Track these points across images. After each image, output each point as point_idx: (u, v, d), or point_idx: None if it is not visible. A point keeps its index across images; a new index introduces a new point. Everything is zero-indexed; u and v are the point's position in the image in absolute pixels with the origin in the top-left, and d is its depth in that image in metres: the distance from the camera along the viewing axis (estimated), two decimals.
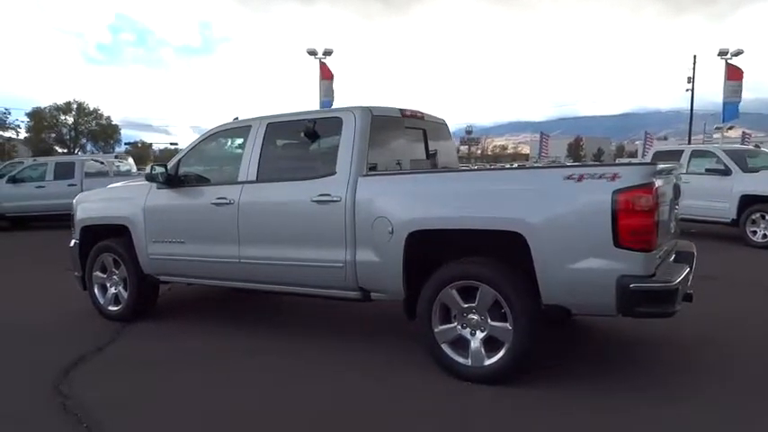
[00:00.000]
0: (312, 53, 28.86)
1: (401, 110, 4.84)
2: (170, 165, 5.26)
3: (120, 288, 5.58)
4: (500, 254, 3.79)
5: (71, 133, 59.78)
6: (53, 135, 59.26)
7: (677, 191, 4.39)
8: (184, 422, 3.44)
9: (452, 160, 5.58)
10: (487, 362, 3.79)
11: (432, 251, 4.04)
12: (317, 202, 4.31)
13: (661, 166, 3.64)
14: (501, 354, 3.74)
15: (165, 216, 5.20)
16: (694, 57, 38.75)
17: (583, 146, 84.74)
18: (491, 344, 3.80)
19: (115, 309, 5.61)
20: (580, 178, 3.45)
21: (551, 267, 3.52)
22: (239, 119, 5.35)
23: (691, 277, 4.04)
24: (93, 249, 5.69)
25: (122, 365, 4.43)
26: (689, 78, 38.86)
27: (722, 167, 10.41)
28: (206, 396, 3.79)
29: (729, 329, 5.03)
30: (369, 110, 4.41)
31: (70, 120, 59.76)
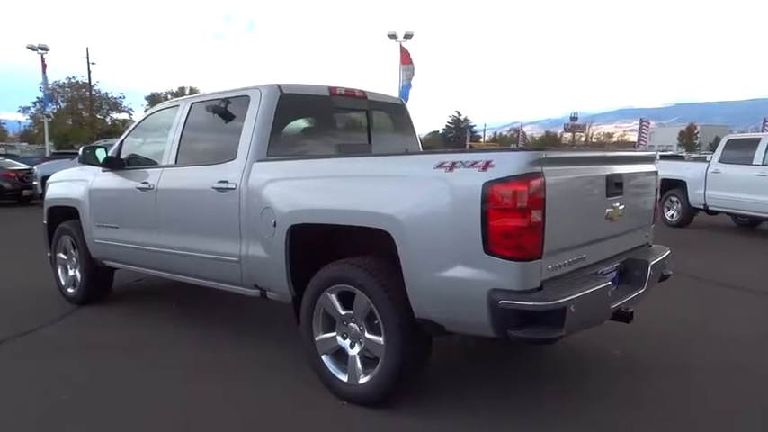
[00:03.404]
0: (392, 36, 28.40)
1: (330, 87, 4.31)
2: (114, 146, 5.13)
3: (77, 271, 5.53)
4: (385, 256, 3.21)
5: None
6: None
7: (640, 183, 3.61)
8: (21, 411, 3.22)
9: (412, 146, 4.95)
10: (362, 379, 3.25)
11: (325, 248, 3.54)
12: (217, 189, 3.92)
13: (558, 153, 2.89)
14: (374, 372, 3.18)
15: (104, 200, 5.05)
16: None
17: (697, 134, 77.73)
18: (370, 359, 3.25)
19: (72, 291, 5.58)
20: (451, 167, 2.79)
21: (420, 275, 2.90)
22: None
23: (627, 294, 3.28)
24: (56, 231, 5.68)
25: (34, 350, 4.32)
26: None
27: None
28: (75, 387, 3.56)
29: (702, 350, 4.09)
30: (277, 87, 3.93)
31: None
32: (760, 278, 6.70)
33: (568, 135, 74.27)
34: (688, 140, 74.52)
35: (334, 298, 3.32)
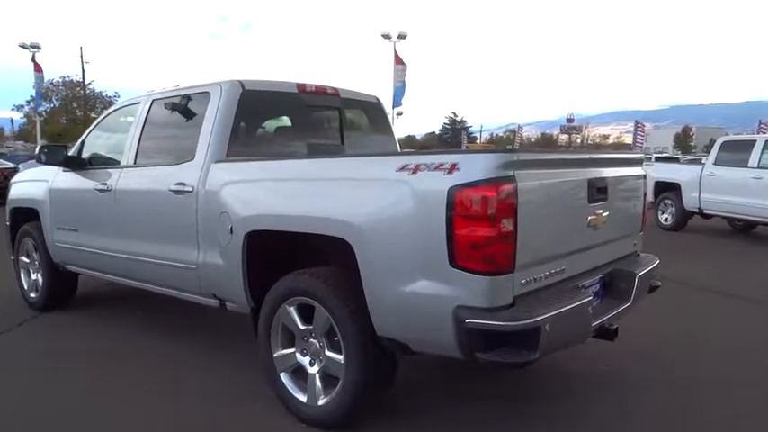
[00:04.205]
0: (386, 36, 28.12)
1: (298, 84, 4.03)
2: (76, 144, 4.85)
3: (39, 275, 5.24)
4: (348, 266, 2.92)
5: None
6: None
7: (627, 187, 3.34)
8: None
9: (389, 147, 4.66)
10: (322, 400, 2.96)
11: (287, 256, 3.26)
12: (174, 191, 3.64)
13: (532, 155, 2.63)
14: (334, 393, 2.90)
15: (64, 201, 4.76)
16: None
17: (693, 136, 77.51)
18: (332, 378, 2.96)
19: (34, 296, 5.29)
20: (415, 170, 2.51)
21: (380, 289, 2.63)
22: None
23: (611, 309, 3.01)
24: (19, 233, 5.40)
25: None
26: None
27: None
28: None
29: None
30: (238, 83, 3.66)
31: None
32: (757, 285, 6.43)
33: (565, 137, 74.12)
34: (683, 142, 74.32)
35: (293, 311, 3.04)
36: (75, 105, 44.78)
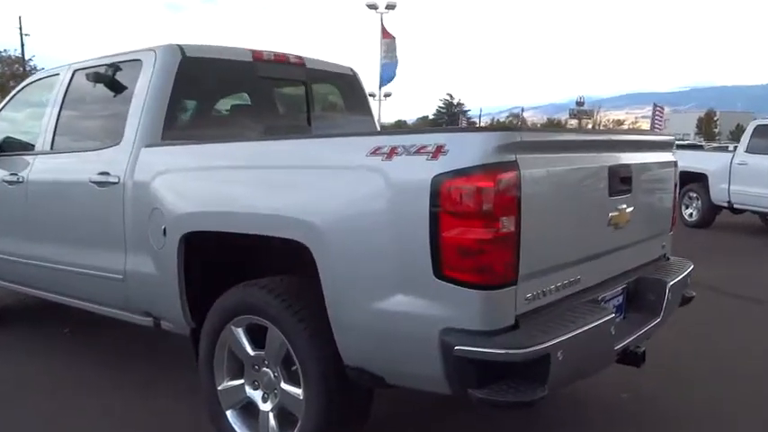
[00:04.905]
0: (372, 7, 27.88)
1: (254, 51, 3.72)
2: None
3: None
4: (311, 277, 2.62)
5: None
6: None
7: (655, 176, 3.08)
8: None
9: (367, 127, 4.38)
10: None
11: (237, 265, 2.97)
12: (96, 183, 3.34)
13: (538, 135, 2.35)
14: None
15: None
16: None
17: (717, 121, 78.16)
18: (290, 416, 2.67)
19: None
20: (390, 153, 2.22)
21: (347, 306, 2.34)
22: None
23: (638, 327, 2.75)
24: None
25: None
26: None
27: None
28: None
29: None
30: (177, 48, 3.35)
31: None
32: None
33: (574, 121, 74.32)
34: (707, 128, 74.87)
35: (240, 333, 2.74)
36: (13, 84, 44.07)
